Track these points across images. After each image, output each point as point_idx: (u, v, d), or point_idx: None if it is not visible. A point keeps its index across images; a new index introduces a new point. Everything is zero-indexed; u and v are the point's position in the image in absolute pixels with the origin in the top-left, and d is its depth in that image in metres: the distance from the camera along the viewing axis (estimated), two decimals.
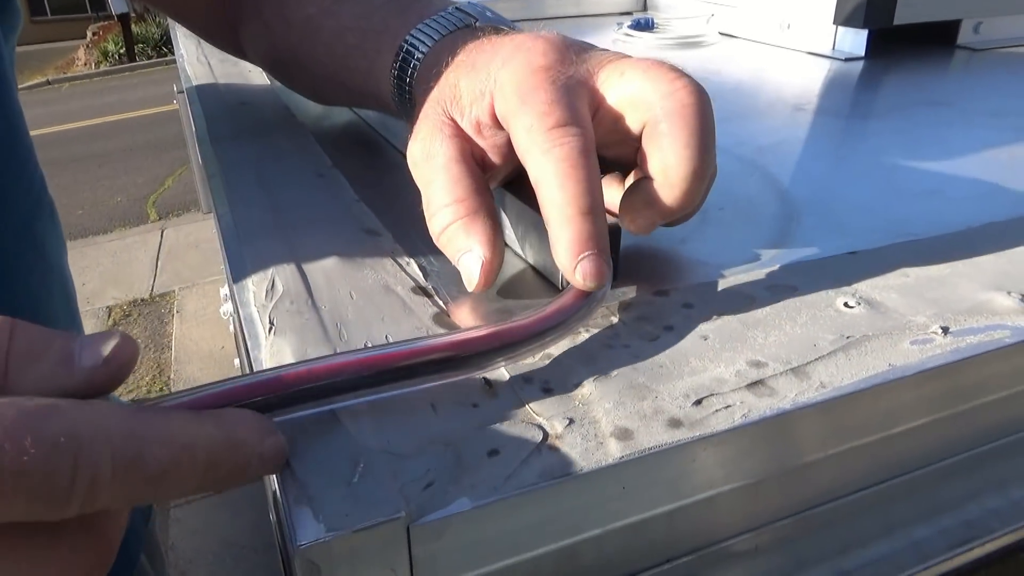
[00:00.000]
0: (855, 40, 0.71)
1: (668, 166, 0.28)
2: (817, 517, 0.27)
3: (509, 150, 0.31)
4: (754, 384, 0.25)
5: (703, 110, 0.28)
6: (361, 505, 0.20)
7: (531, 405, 0.24)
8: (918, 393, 0.26)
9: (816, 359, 0.26)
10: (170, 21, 0.69)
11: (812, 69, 0.69)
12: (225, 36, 0.55)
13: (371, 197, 0.40)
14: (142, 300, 3.26)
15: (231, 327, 2.42)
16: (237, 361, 2.03)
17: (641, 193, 0.29)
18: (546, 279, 0.32)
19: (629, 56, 0.31)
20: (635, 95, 0.29)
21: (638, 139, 0.29)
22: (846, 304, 0.29)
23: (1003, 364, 0.27)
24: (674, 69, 0.29)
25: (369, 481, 0.20)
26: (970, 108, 0.56)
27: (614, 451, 0.22)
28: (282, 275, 0.32)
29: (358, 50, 0.41)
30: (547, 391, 0.25)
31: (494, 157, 0.31)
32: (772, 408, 0.24)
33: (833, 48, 0.72)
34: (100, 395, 0.21)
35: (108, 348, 0.20)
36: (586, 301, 0.27)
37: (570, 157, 0.26)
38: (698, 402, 0.24)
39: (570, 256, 0.26)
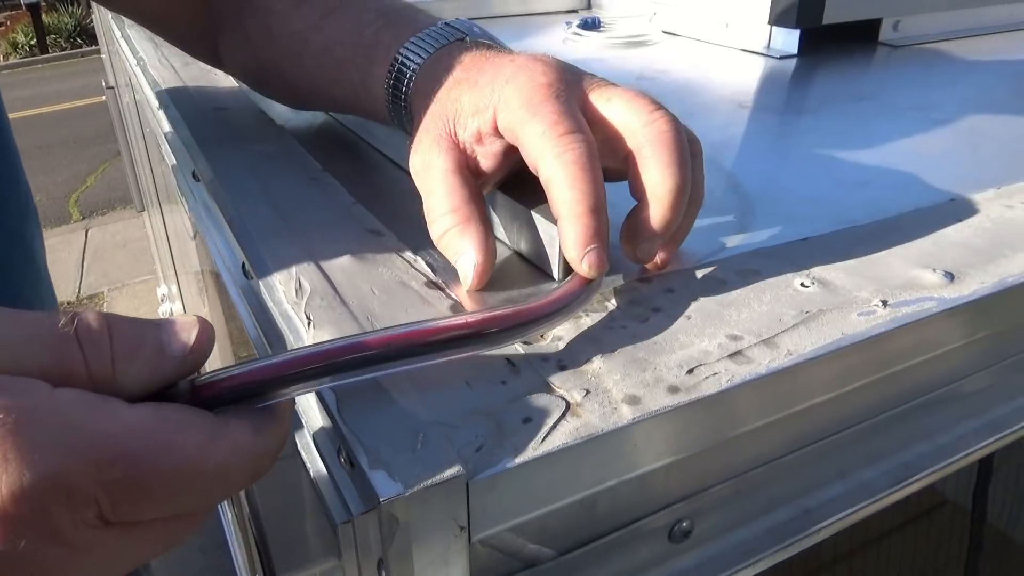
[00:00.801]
0: (788, 39, 0.77)
1: (655, 184, 0.32)
2: (785, 464, 0.33)
3: (503, 158, 0.35)
4: (734, 354, 0.29)
5: (678, 136, 0.33)
6: (428, 466, 0.23)
7: (551, 380, 0.28)
8: (865, 356, 0.31)
9: (782, 331, 0.31)
10: (98, 15, 0.69)
11: (750, 67, 0.75)
12: (203, 45, 0.57)
13: (366, 198, 0.43)
14: (68, 303, 3.16)
15: None
16: None
17: (636, 218, 0.33)
18: (534, 267, 0.36)
19: (614, 84, 0.35)
20: (620, 121, 0.33)
21: (619, 159, 0.34)
22: (802, 284, 0.34)
23: (932, 330, 0.33)
24: (653, 101, 0.34)
25: (430, 447, 0.24)
26: (894, 102, 0.62)
27: (627, 414, 0.26)
28: (306, 275, 0.35)
29: (349, 63, 0.44)
30: (562, 368, 0.29)
31: (489, 165, 0.35)
32: (751, 373, 0.28)
33: (768, 46, 0.78)
34: (185, 377, 0.24)
35: (192, 335, 0.24)
36: (588, 287, 0.31)
37: (579, 160, 0.31)
38: (690, 371, 0.28)
39: (578, 248, 0.30)
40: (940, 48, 0.81)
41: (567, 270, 0.33)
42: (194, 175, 0.52)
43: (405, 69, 0.40)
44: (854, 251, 0.37)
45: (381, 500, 0.23)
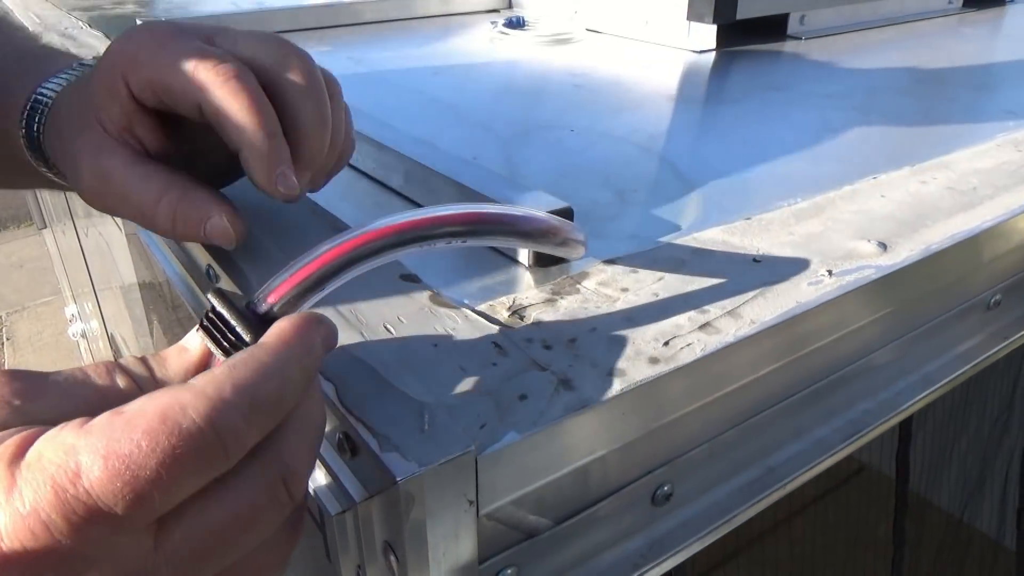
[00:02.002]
0: (705, 34, 0.80)
1: (295, 113, 0.32)
2: (750, 426, 0.35)
3: (164, 130, 0.34)
4: (704, 326, 0.32)
5: (313, 69, 0.33)
6: (439, 445, 0.25)
7: (539, 359, 0.29)
8: (818, 321, 0.34)
9: (744, 303, 0.33)
10: None
11: (672, 61, 0.78)
12: None
13: (323, 198, 0.44)
14: None
15: (83, 348, 2.28)
16: None
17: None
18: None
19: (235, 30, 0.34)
20: (251, 57, 0.33)
21: None
22: (755, 259, 0.37)
23: (873, 294, 0.36)
24: (283, 42, 0.33)
25: (437, 427, 0.25)
26: (806, 91, 0.67)
27: (615, 386, 0.28)
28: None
29: None
30: (547, 347, 0.30)
31: (156, 143, 0.34)
32: (722, 342, 0.31)
33: (688, 41, 0.82)
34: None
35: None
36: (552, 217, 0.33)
37: (247, 86, 0.31)
38: (666, 343, 0.30)
39: (271, 172, 0.31)
40: (842, 40, 0.86)
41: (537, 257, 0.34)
42: None
43: (38, 106, 0.36)
44: (796, 227, 0.40)
45: (398, 480, 0.23)
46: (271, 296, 0.25)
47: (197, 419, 0.19)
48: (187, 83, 0.31)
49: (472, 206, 0.29)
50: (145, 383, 0.24)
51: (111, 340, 1.38)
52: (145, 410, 0.19)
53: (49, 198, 1.82)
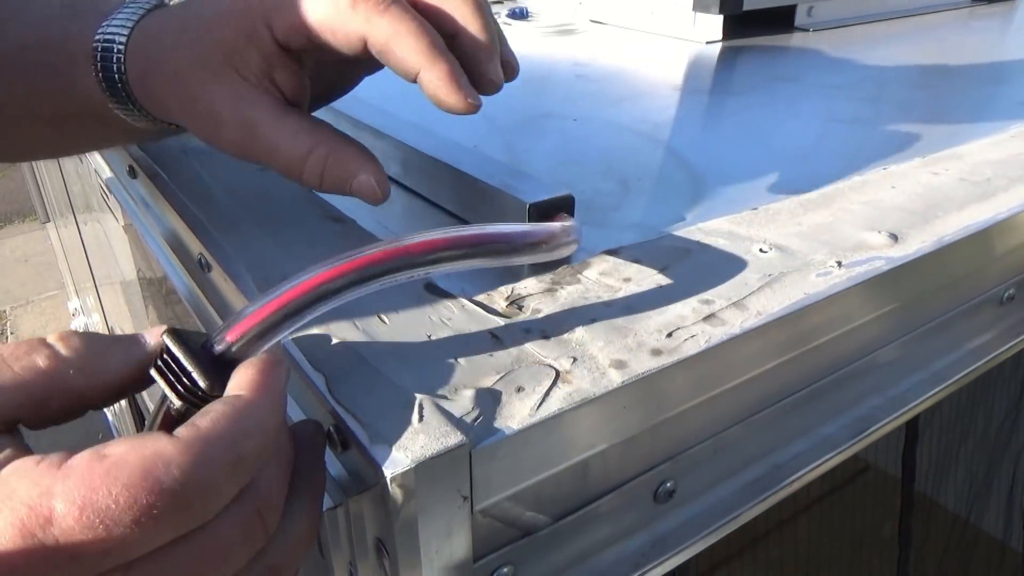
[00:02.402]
0: (712, 25, 0.79)
1: (462, 11, 0.32)
2: (756, 422, 0.34)
3: (301, 78, 0.33)
4: (708, 317, 0.30)
5: None
6: (432, 438, 0.23)
7: (537, 351, 0.28)
8: (827, 314, 0.33)
9: (749, 294, 0.32)
10: None
11: (678, 52, 0.77)
12: None
13: None
14: None
15: None
16: None
17: (464, 49, 0.32)
18: None
19: None
20: None
21: None
22: (761, 250, 0.36)
23: (883, 287, 0.35)
24: None
25: (429, 420, 0.24)
26: (816, 82, 0.65)
27: (616, 378, 0.27)
28: (274, 262, 0.34)
29: (42, 69, 0.36)
30: (545, 338, 0.29)
31: (294, 89, 0.33)
32: (726, 334, 0.29)
33: (694, 32, 0.80)
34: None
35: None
36: (551, 227, 0.31)
37: (407, 10, 0.30)
38: (669, 335, 0.29)
39: (457, 88, 0.30)
40: (851, 32, 0.85)
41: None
42: (130, 171, 0.50)
43: (109, 54, 0.34)
44: (803, 218, 0.39)
45: (388, 475, 0.22)
46: (229, 335, 0.24)
47: (180, 477, 0.19)
48: (348, 19, 0.29)
49: (445, 231, 0.27)
50: (75, 362, 0.23)
51: (111, 333, 1.38)
52: (127, 461, 0.19)
53: (52, 191, 1.81)
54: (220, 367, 0.23)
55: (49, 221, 2.28)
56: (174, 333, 0.24)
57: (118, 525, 0.18)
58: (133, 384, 0.24)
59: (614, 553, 0.31)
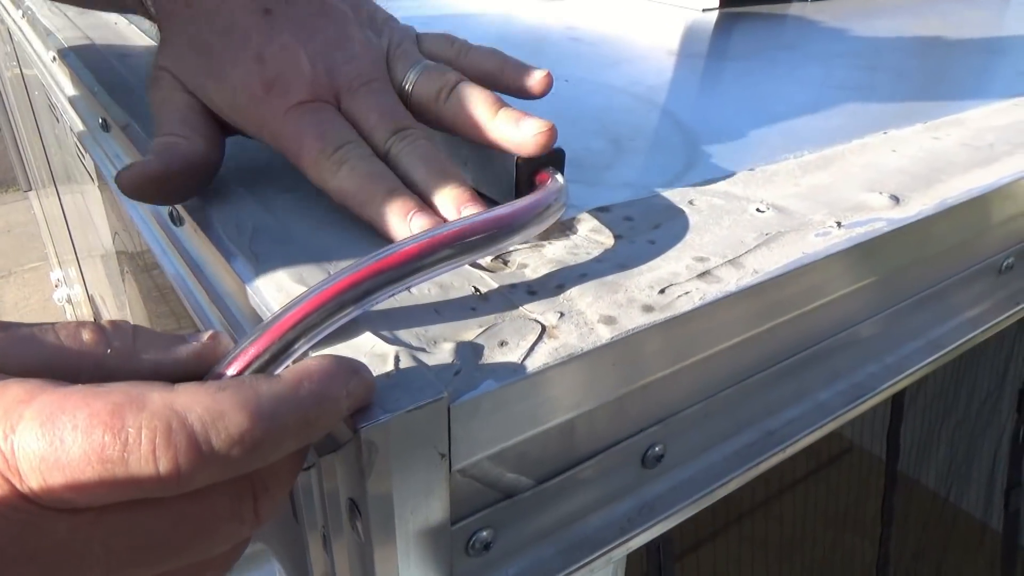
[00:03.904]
0: None
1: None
2: (750, 386, 0.33)
3: None
4: (703, 274, 0.29)
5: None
6: (407, 391, 0.22)
7: (523, 306, 0.27)
8: (826, 274, 0.32)
9: (746, 252, 0.31)
10: None
11: (675, 19, 0.75)
12: None
13: None
14: None
15: (68, 314, 2.24)
16: None
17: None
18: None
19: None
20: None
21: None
22: (758, 210, 0.34)
23: (883, 249, 0.34)
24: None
25: (407, 372, 0.23)
26: (813, 50, 0.64)
27: (605, 334, 0.26)
28: (248, 213, 0.32)
29: None
30: (532, 293, 0.28)
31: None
32: (721, 291, 0.28)
33: (691, 0, 0.79)
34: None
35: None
36: (546, 197, 0.29)
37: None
38: (662, 291, 0.28)
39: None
40: (850, 2, 0.83)
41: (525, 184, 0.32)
42: (103, 124, 0.48)
43: None
44: (802, 179, 0.38)
45: (360, 427, 0.21)
46: (229, 369, 0.22)
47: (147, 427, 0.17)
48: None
49: (433, 231, 0.25)
50: (115, 345, 0.21)
51: (91, 302, 1.35)
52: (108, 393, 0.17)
53: (33, 160, 1.77)
54: None
55: (31, 189, 2.24)
56: None
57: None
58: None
59: (599, 518, 0.30)
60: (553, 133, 0.30)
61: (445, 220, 0.29)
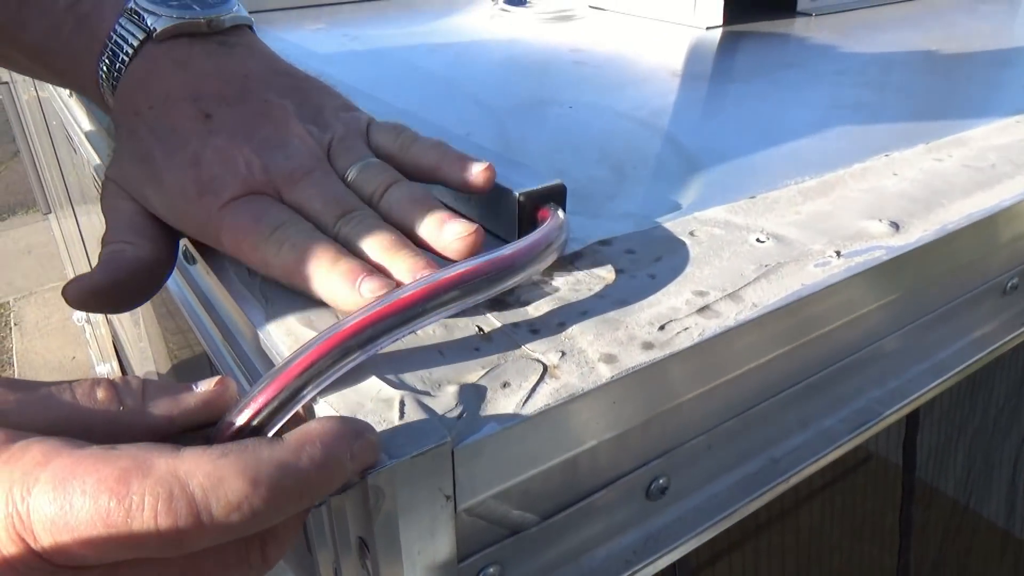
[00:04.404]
0: (712, 10, 0.78)
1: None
2: (752, 416, 0.33)
3: None
4: (702, 309, 0.30)
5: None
6: (411, 436, 0.23)
7: (526, 346, 0.27)
8: (825, 305, 0.32)
9: (745, 285, 0.31)
10: None
11: (679, 38, 0.76)
12: None
13: None
14: None
15: (86, 334, 2.27)
16: (102, 368, 1.92)
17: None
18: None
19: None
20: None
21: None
22: (758, 239, 0.35)
23: (883, 277, 0.34)
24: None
25: (411, 418, 0.24)
26: (816, 68, 0.64)
27: (605, 373, 0.26)
28: None
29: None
30: (534, 332, 0.28)
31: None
32: (721, 326, 0.29)
33: (694, 17, 0.79)
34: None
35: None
36: (546, 237, 0.30)
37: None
38: (662, 327, 0.28)
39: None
40: (854, 16, 0.84)
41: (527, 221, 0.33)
42: None
43: (116, 57, 0.33)
44: (802, 206, 0.38)
45: (366, 474, 0.22)
46: (239, 418, 0.22)
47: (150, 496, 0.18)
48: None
49: (431, 277, 0.26)
50: (127, 402, 0.22)
51: (109, 324, 1.37)
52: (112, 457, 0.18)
53: (52, 183, 1.81)
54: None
55: (51, 212, 2.28)
56: None
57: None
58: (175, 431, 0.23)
59: (605, 551, 0.30)
60: (477, 236, 0.29)
61: (399, 284, 0.28)
